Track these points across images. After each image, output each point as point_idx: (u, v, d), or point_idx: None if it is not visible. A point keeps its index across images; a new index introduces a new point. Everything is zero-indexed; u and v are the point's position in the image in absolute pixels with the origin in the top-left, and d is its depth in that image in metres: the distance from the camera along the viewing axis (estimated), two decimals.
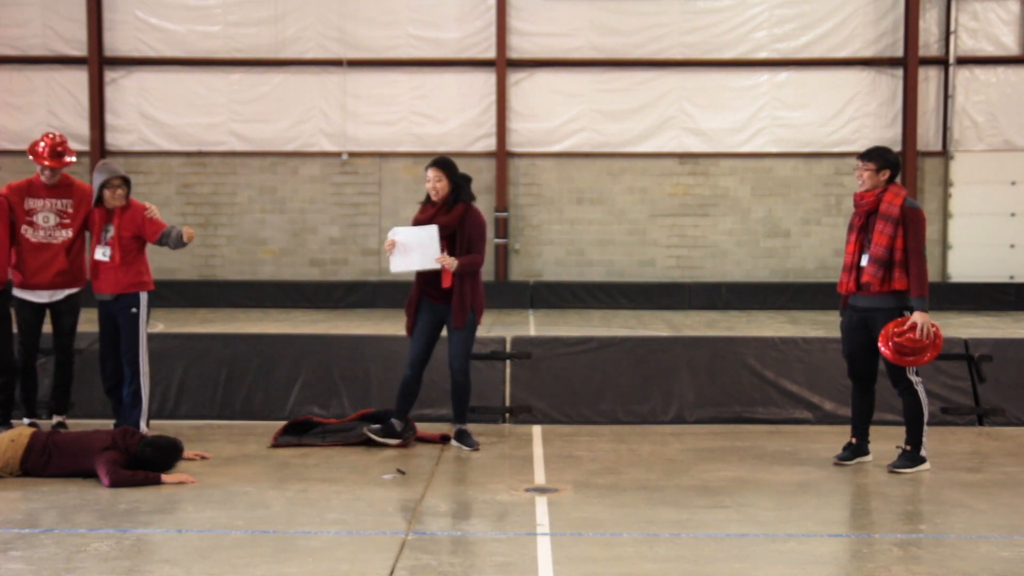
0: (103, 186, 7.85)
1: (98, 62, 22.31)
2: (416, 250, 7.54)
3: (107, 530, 5.53)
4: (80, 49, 22.42)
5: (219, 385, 8.96)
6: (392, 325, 17.17)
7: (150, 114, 22.64)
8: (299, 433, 8.03)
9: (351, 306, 21.32)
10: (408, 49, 22.41)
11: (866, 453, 7.36)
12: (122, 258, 7.85)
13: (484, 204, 22.16)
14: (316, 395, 8.97)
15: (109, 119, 22.61)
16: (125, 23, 22.50)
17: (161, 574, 4.84)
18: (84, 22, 22.28)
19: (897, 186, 7.19)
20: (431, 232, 7.52)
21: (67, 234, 8.14)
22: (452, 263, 7.49)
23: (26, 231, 8.11)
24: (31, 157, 8.28)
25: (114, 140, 22.62)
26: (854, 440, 7.36)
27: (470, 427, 7.90)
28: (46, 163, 8.22)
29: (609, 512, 5.95)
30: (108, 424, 8.01)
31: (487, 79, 22.37)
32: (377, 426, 7.76)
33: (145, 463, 6.67)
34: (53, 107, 22.66)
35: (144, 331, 7.85)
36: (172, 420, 8.64)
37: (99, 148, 22.36)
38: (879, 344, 6.96)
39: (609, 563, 5.03)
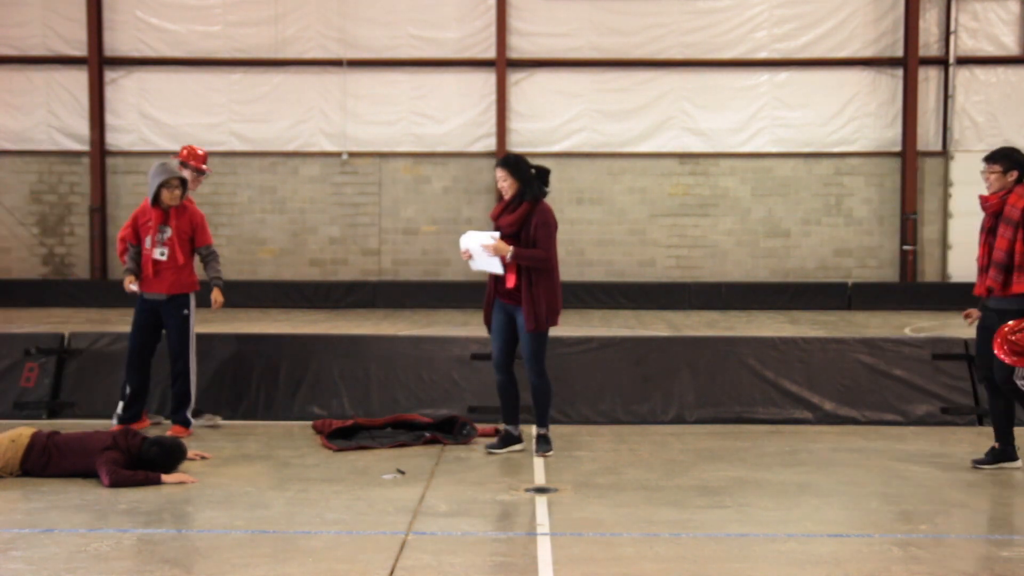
0: (162, 185, 7.86)
1: (98, 62, 22.31)
2: (482, 255, 7.42)
3: (107, 530, 5.53)
4: (80, 49, 22.42)
5: (220, 385, 8.96)
6: (392, 325, 17.19)
7: (150, 114, 22.63)
8: (348, 437, 7.91)
9: (351, 306, 21.32)
10: (408, 49, 22.41)
11: (1013, 458, 7.06)
12: (184, 258, 7.96)
13: (484, 204, 22.22)
14: (316, 395, 8.98)
15: (109, 119, 22.60)
16: (125, 23, 22.50)
17: (161, 574, 4.84)
18: (84, 22, 22.28)
19: (1023, 187, 6.90)
20: (493, 237, 7.37)
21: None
22: (506, 250, 7.24)
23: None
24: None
25: (114, 140, 22.61)
26: (996, 445, 7.09)
27: (474, 428, 7.88)
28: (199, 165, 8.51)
29: (609, 512, 5.95)
30: (108, 424, 8.02)
31: (487, 79, 22.37)
32: (493, 441, 7.51)
33: (150, 463, 6.67)
34: (53, 107, 22.66)
35: (193, 331, 8.14)
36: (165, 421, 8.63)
37: (99, 148, 22.36)
38: (994, 343, 6.64)
39: (609, 563, 5.03)
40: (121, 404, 8.21)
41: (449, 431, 8.04)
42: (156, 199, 7.97)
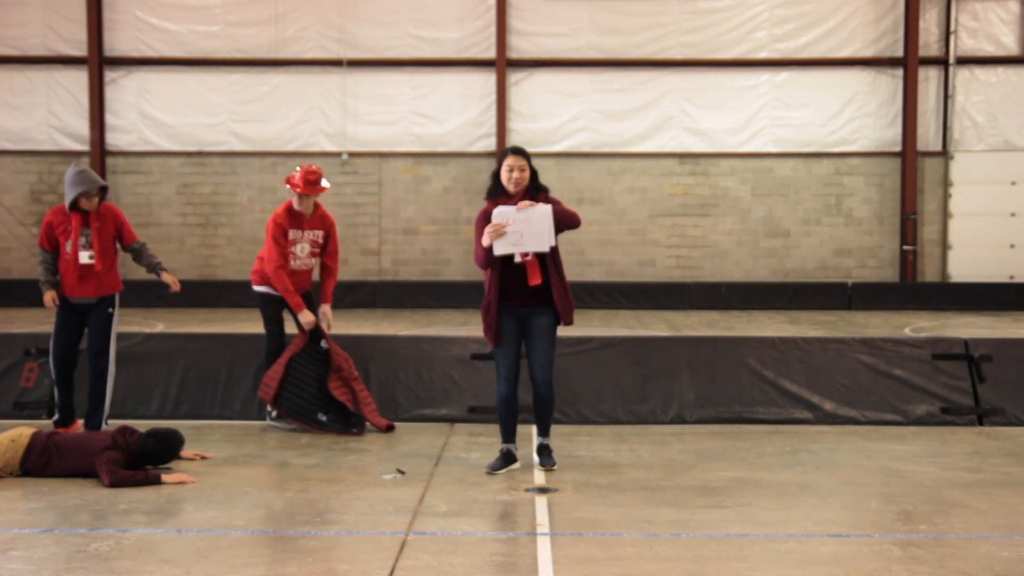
0: (81, 195, 7.82)
1: (98, 62, 22.31)
2: (528, 233, 6.72)
3: (107, 530, 5.53)
4: (80, 49, 22.41)
5: (219, 385, 8.96)
6: (392, 325, 17.18)
7: (150, 114, 22.63)
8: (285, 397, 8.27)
9: (351, 306, 21.28)
10: (408, 49, 22.41)
11: None
12: (111, 259, 7.97)
13: (484, 204, 22.19)
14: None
15: (109, 119, 22.60)
16: (125, 23, 22.49)
17: (161, 574, 4.84)
18: (84, 22, 22.28)
19: None
20: (545, 213, 6.76)
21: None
22: (527, 203, 6.75)
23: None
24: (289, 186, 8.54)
25: (114, 140, 22.61)
26: None
27: (470, 429, 7.87)
28: (299, 190, 8.48)
29: (609, 512, 5.95)
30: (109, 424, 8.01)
31: (487, 79, 22.37)
32: (496, 462, 7.04)
33: (147, 455, 6.66)
34: (53, 107, 22.66)
35: (116, 332, 8.12)
36: (172, 420, 8.63)
37: (99, 148, 22.35)
38: None
39: (609, 563, 5.03)
40: (58, 411, 8.11)
41: (344, 422, 8.25)
42: (74, 205, 7.85)
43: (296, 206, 8.55)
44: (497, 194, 7.03)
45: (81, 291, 7.94)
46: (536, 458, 7.14)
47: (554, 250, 6.89)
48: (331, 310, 8.67)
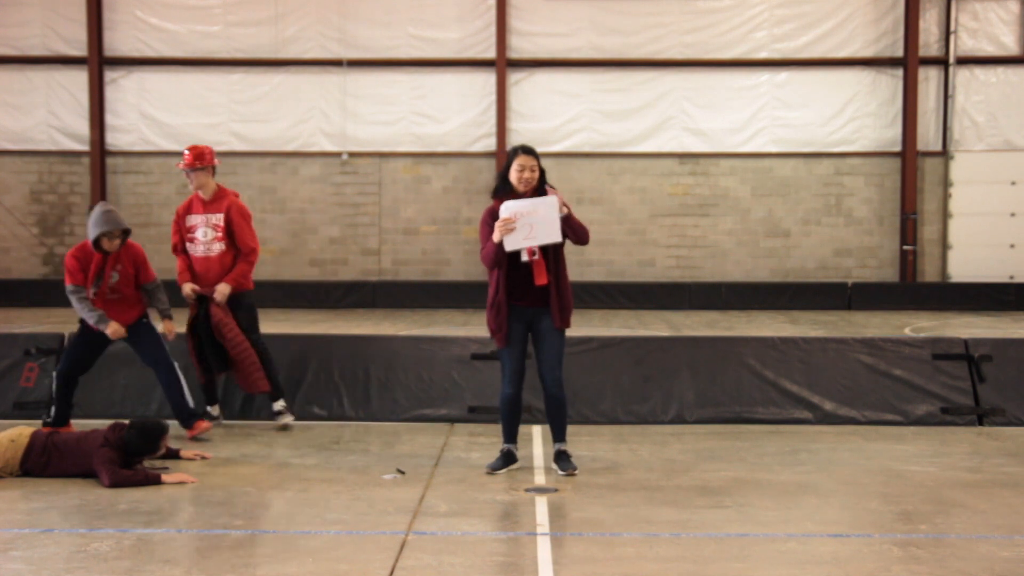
0: (103, 235, 7.77)
1: (98, 62, 22.31)
2: (538, 225, 6.61)
3: (107, 530, 5.53)
4: (80, 49, 22.42)
5: (219, 385, 8.95)
6: (392, 325, 17.18)
7: (150, 114, 22.64)
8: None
9: (351, 306, 21.32)
10: (408, 49, 22.42)
11: None
12: (132, 293, 8.06)
13: (484, 204, 22.19)
14: (316, 395, 8.98)
15: (109, 119, 22.60)
16: (125, 23, 22.50)
17: (161, 574, 4.84)
18: (84, 22, 22.28)
19: None
20: (551, 203, 6.65)
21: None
22: (564, 211, 6.64)
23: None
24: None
25: (114, 140, 22.61)
26: None
27: (470, 429, 7.86)
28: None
29: (609, 512, 5.95)
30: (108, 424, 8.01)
31: (487, 79, 22.37)
32: (496, 462, 6.98)
33: (130, 447, 6.62)
34: (53, 107, 22.67)
35: (161, 335, 8.26)
36: (172, 420, 8.62)
37: (99, 148, 22.36)
38: None
39: (609, 563, 5.03)
40: (55, 410, 8.08)
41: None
42: (96, 243, 7.81)
43: (191, 188, 8.54)
44: (504, 193, 6.88)
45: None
46: (555, 465, 6.96)
47: (558, 251, 6.84)
48: (227, 289, 8.37)
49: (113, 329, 7.89)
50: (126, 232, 7.92)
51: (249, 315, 8.55)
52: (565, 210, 6.72)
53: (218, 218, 8.47)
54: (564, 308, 6.85)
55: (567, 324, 6.90)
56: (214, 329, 8.43)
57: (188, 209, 8.59)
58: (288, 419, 8.54)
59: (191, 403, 8.14)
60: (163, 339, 8.17)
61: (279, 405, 8.55)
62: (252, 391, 8.52)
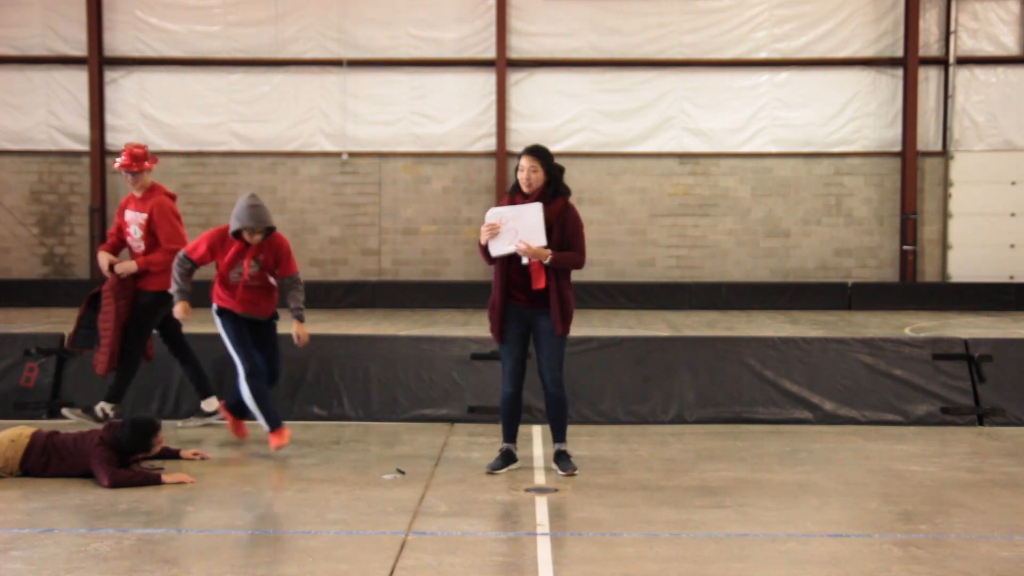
0: (244, 229, 7.57)
1: (98, 62, 22.32)
2: (523, 231, 6.68)
3: (107, 530, 5.53)
4: (80, 49, 22.42)
5: (220, 385, 8.95)
6: (392, 325, 17.18)
7: (150, 114, 22.64)
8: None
9: (351, 306, 21.32)
10: (408, 49, 22.42)
11: None
12: (267, 286, 7.80)
13: (484, 204, 22.20)
14: (316, 395, 8.98)
15: (109, 119, 22.61)
16: (125, 23, 22.51)
17: (161, 574, 4.84)
18: (84, 22, 22.28)
19: None
20: (535, 210, 6.70)
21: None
22: (545, 255, 6.70)
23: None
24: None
25: (114, 140, 22.60)
26: None
27: (470, 429, 7.85)
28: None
29: (609, 512, 5.95)
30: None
31: (487, 79, 22.37)
32: (496, 461, 6.97)
33: (121, 444, 6.60)
34: (53, 107, 22.67)
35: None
36: (172, 420, 8.64)
37: (99, 148, 22.36)
38: None
39: (609, 563, 5.03)
40: (263, 417, 7.64)
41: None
42: (237, 234, 7.62)
43: (128, 186, 8.48)
44: (514, 192, 6.92)
45: (252, 310, 7.74)
46: (554, 465, 6.96)
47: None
48: (133, 266, 8.28)
49: (179, 309, 7.66)
50: (270, 229, 7.62)
51: (142, 314, 8.32)
52: (541, 256, 6.70)
53: (144, 217, 8.37)
54: (565, 315, 6.82)
55: (567, 331, 6.89)
56: (100, 295, 8.37)
57: (126, 204, 8.56)
58: (202, 420, 8.47)
59: (274, 414, 7.67)
60: (279, 346, 7.84)
61: (208, 405, 8.47)
62: (94, 368, 8.38)
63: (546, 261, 6.72)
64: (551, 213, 6.79)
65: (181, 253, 7.71)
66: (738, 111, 22.36)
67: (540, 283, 6.76)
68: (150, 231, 8.38)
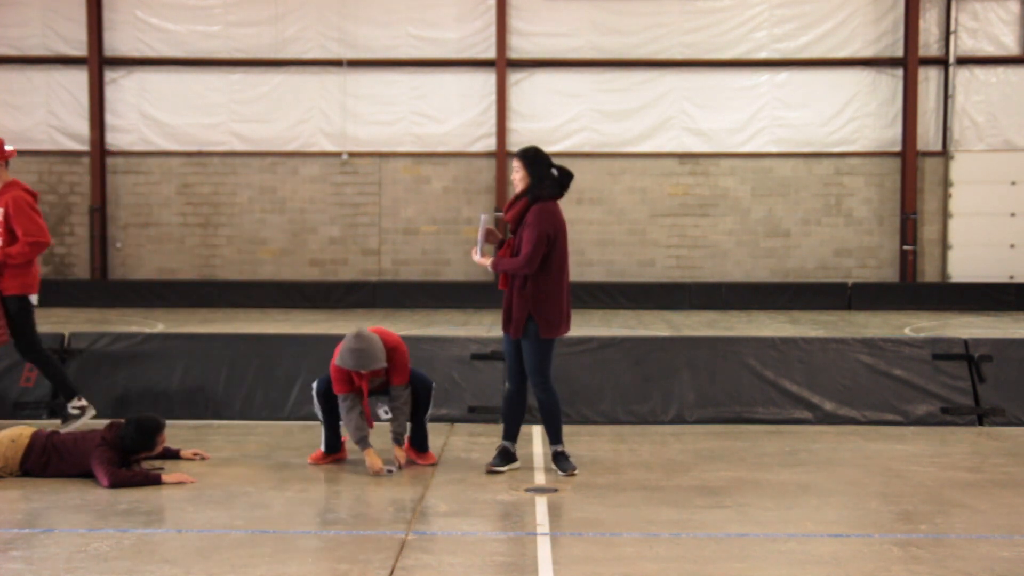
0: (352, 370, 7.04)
1: (98, 62, 22.32)
2: (481, 239, 6.97)
3: (107, 530, 5.53)
4: (80, 49, 22.43)
5: (219, 385, 8.96)
6: (392, 325, 17.17)
7: (150, 114, 22.65)
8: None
9: (351, 306, 21.33)
10: (408, 49, 22.43)
11: None
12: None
13: (484, 204, 22.22)
14: None
15: (109, 119, 22.62)
16: (125, 23, 22.52)
17: (161, 574, 4.84)
18: (84, 22, 22.30)
19: None
20: (482, 220, 6.99)
21: None
22: (484, 262, 6.85)
23: None
24: None
25: (114, 140, 22.62)
26: None
27: (470, 429, 7.85)
28: None
29: (609, 512, 5.95)
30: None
31: (487, 79, 22.38)
32: (494, 460, 6.97)
33: (125, 444, 6.60)
34: (53, 107, 22.67)
35: None
36: (172, 420, 8.62)
37: (99, 148, 22.37)
38: None
39: (609, 563, 5.03)
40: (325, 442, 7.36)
41: None
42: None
43: None
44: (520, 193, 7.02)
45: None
46: (554, 466, 6.97)
47: None
48: None
49: (371, 465, 6.93)
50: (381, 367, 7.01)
51: (17, 321, 8.10)
52: (476, 259, 6.97)
53: (0, 212, 8.13)
54: (513, 319, 6.80)
55: (518, 335, 6.79)
56: None
57: None
58: (77, 414, 8.27)
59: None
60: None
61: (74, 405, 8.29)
62: None
63: (489, 268, 6.91)
64: (512, 215, 6.82)
65: (340, 395, 7.05)
66: (738, 111, 22.37)
67: (501, 284, 6.96)
68: (7, 226, 8.09)
